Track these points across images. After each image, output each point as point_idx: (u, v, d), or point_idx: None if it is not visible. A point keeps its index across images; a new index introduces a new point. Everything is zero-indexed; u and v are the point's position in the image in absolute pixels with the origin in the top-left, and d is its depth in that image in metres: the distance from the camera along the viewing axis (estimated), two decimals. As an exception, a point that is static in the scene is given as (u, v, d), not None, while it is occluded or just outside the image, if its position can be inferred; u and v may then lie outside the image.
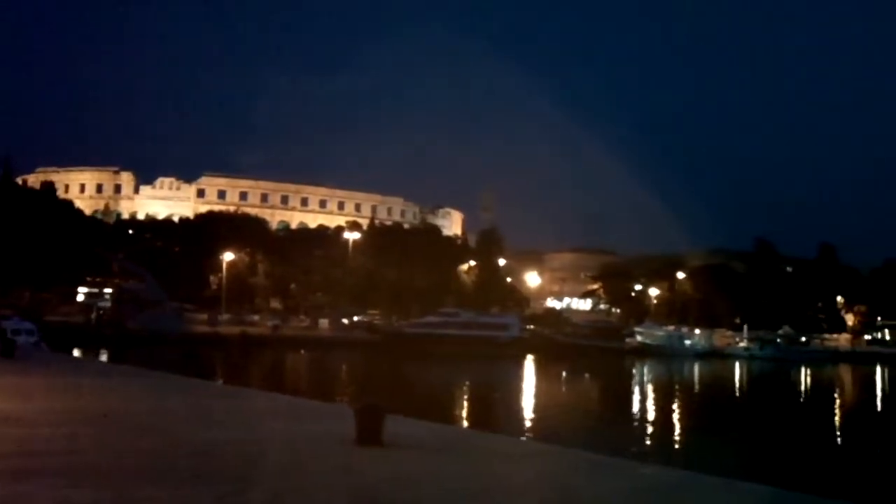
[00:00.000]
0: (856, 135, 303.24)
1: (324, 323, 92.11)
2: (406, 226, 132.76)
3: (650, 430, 34.16)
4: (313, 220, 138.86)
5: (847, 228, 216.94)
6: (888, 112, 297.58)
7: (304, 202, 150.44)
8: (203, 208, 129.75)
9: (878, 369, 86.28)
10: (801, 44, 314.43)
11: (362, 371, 58.61)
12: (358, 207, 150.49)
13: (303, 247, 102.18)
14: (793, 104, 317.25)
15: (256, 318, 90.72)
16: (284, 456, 11.97)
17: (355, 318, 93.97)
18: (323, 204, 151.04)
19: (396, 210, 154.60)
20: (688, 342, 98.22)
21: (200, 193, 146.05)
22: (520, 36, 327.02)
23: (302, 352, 71.53)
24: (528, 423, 33.47)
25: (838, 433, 38.51)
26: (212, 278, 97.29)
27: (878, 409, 52.66)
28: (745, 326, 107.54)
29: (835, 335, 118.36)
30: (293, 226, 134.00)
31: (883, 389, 70.22)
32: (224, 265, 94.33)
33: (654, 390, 56.12)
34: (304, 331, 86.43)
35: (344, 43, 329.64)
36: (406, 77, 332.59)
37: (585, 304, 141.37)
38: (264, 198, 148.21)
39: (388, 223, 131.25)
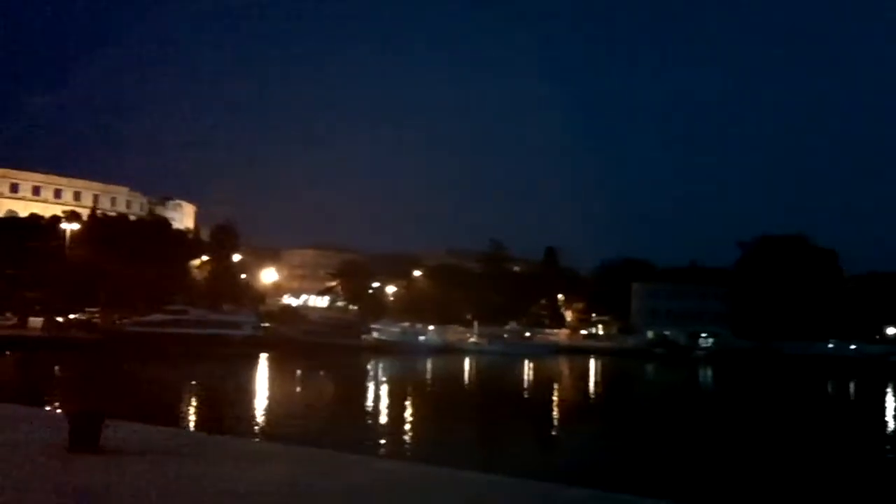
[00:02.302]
0: (579, 146, 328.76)
1: (35, 322, 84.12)
2: (132, 217, 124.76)
3: (384, 425, 34.28)
4: (25, 209, 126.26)
5: (572, 232, 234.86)
6: (604, 126, 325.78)
7: (14, 188, 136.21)
8: None
9: (592, 361, 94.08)
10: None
11: (79, 373, 53.86)
12: (77, 196, 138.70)
13: (11, 238, 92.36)
14: (518, 111, 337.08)
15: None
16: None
17: (72, 317, 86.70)
18: (37, 191, 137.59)
19: (121, 200, 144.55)
20: (422, 338, 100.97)
21: None
22: (268, 23, 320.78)
23: (7, 353, 64.77)
24: (261, 424, 32.37)
25: (555, 418, 41.14)
26: None
27: (590, 393, 57.85)
28: (476, 323, 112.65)
29: (556, 330, 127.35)
30: (0, 214, 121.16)
31: (595, 378, 76.96)
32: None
33: (390, 386, 56.81)
34: (9, 330, 78.39)
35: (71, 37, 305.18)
36: (138, 65, 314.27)
37: (323, 302, 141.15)
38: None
39: (112, 214, 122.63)
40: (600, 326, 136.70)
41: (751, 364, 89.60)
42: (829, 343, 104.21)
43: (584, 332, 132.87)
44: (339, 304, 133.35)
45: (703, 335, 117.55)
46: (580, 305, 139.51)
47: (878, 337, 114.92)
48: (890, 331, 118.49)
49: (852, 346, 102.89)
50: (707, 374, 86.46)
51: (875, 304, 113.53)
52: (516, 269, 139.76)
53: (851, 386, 71.95)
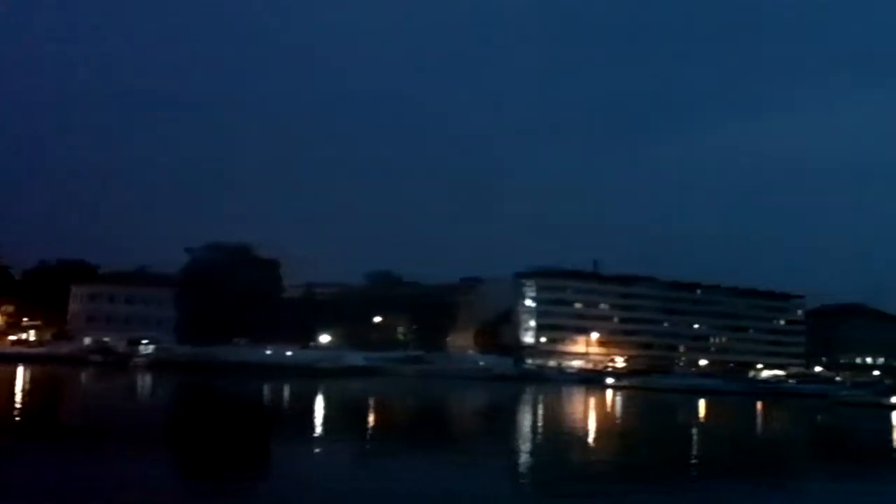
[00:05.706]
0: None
1: None
2: None
3: None
4: None
5: (10, 227, 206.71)
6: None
7: None
8: None
9: (21, 368, 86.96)
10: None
11: None
12: None
13: None
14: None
15: None
16: None
17: None
18: None
19: None
20: None
21: None
22: None
23: None
24: None
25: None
26: None
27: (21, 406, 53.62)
28: None
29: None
30: None
31: (22, 387, 70.85)
32: None
33: None
34: None
35: None
36: None
37: None
38: None
39: None
40: (32, 332, 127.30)
41: (188, 371, 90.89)
42: (267, 350, 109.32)
43: (13, 337, 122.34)
44: None
45: (145, 342, 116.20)
46: (10, 308, 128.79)
47: (312, 344, 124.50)
48: (322, 338, 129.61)
49: (288, 353, 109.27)
50: (144, 381, 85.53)
51: (312, 313, 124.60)
52: None
53: (286, 390, 77.09)
